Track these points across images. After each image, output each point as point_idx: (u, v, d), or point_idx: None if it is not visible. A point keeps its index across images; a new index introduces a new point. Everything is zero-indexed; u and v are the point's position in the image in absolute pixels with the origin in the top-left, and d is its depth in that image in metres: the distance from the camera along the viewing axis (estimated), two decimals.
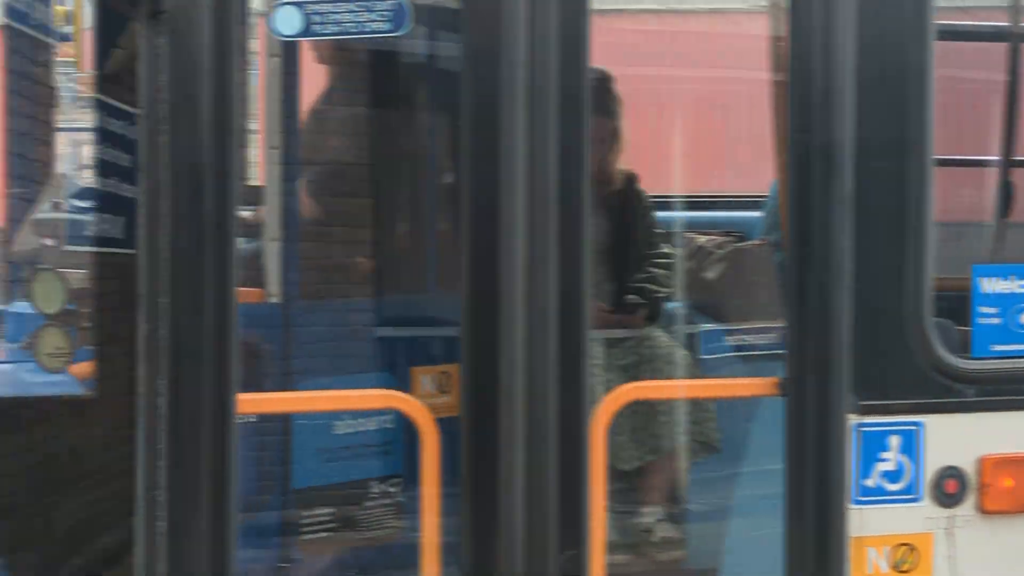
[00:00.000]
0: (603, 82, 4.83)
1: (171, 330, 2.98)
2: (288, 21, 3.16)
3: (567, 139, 3.19)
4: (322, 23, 3.17)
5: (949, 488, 3.52)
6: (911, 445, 3.50)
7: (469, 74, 3.15)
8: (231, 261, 3.02)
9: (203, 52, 2.97)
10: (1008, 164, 4.92)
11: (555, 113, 3.19)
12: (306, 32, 3.15)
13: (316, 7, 3.16)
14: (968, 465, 3.53)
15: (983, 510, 3.54)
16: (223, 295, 3.03)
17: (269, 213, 4.51)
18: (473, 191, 3.20)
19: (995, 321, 3.56)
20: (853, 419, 3.44)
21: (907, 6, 3.45)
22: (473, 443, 3.24)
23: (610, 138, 4.96)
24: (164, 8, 2.94)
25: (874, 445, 3.47)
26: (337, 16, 3.20)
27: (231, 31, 2.97)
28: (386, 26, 3.21)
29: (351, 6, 3.18)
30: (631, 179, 5.03)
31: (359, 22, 3.21)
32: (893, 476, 3.49)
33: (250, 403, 3.21)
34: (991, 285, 3.56)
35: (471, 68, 3.16)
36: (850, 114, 3.37)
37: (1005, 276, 3.57)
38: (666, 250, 5.02)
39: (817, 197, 3.37)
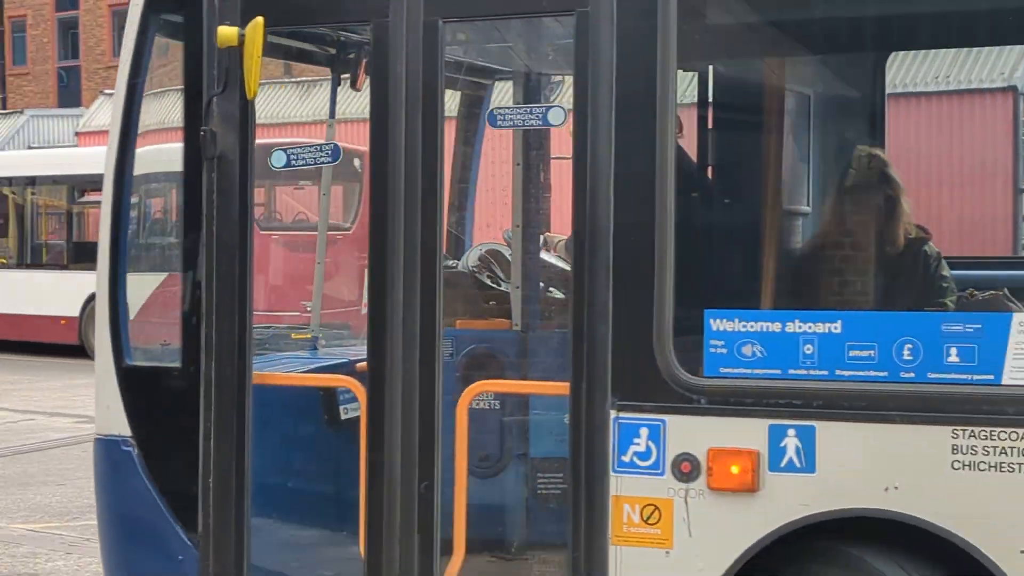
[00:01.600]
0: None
1: None
2: (278, 158, 5.47)
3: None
4: (297, 159, 5.45)
5: (684, 468, 4.91)
6: (657, 435, 4.95)
7: None
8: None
9: None
10: None
11: None
12: (288, 164, 5.44)
13: (295, 151, 5.46)
14: (699, 453, 4.89)
15: (710, 487, 4.88)
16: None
17: (514, 267, 6.59)
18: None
19: (722, 351, 4.89)
20: (614, 414, 4.98)
21: (644, 141, 4.90)
22: (372, 411, 5.30)
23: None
24: None
25: (629, 433, 4.97)
26: (305, 156, 5.47)
27: None
28: (329, 159, 5.43)
29: (311, 149, 5.44)
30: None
31: (316, 157, 5.46)
32: (643, 455, 4.96)
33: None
34: (719, 324, 4.90)
35: None
36: (609, 205, 4.96)
37: (731, 318, 4.89)
38: None
39: (589, 260, 5.00)
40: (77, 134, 30.11)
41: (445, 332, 5.81)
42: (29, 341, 21.98)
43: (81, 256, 20.76)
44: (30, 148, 31.86)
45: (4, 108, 39.83)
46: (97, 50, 41.25)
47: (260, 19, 5.30)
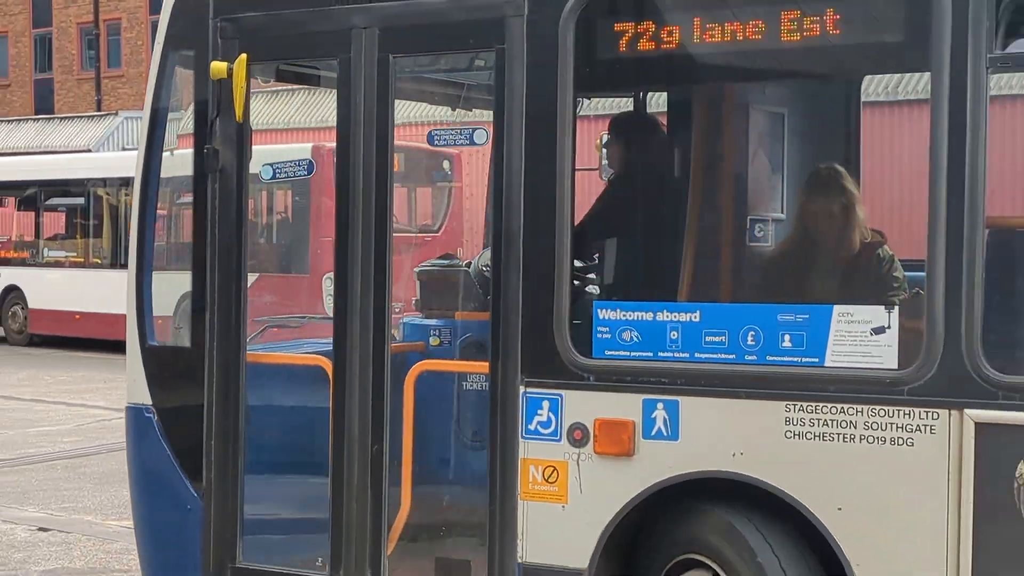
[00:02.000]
0: None
1: None
2: (266, 172, 6.49)
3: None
4: (280, 172, 6.46)
5: (576, 435, 5.79)
6: (555, 407, 5.83)
7: None
8: None
9: None
10: None
11: None
12: (273, 177, 6.46)
13: (279, 165, 6.47)
14: (588, 422, 5.76)
15: (596, 451, 5.75)
16: None
17: None
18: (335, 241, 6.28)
19: (607, 336, 5.75)
20: (522, 389, 5.89)
21: (548, 158, 5.77)
22: (336, 386, 6.29)
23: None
24: None
25: (534, 405, 5.87)
26: (287, 169, 6.47)
27: None
28: (304, 172, 6.43)
29: (292, 164, 6.45)
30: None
31: (295, 171, 6.46)
32: (545, 424, 5.86)
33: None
34: (605, 313, 5.76)
35: None
36: (520, 213, 5.87)
37: (614, 307, 5.76)
38: None
39: (505, 260, 5.91)
40: (179, 136, 31.57)
41: (446, 323, 6.77)
42: (124, 340, 23.18)
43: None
44: (124, 150, 32.89)
45: (99, 110, 41.38)
46: None
47: (244, 56, 6.33)
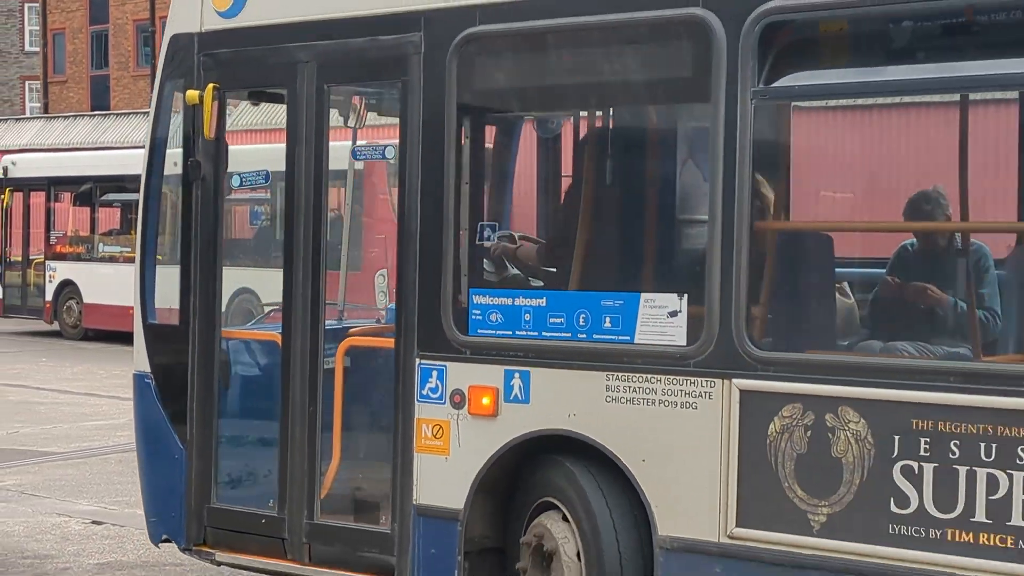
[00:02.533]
0: None
1: None
2: (235, 180, 7.86)
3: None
4: (245, 181, 7.83)
5: (456, 399, 7.04)
6: (441, 376, 7.10)
7: None
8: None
9: None
10: None
11: None
12: (241, 185, 7.83)
13: (246, 175, 7.85)
14: (464, 389, 7.01)
15: (470, 412, 7.00)
16: None
17: None
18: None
19: (479, 317, 7.00)
20: (418, 361, 7.17)
21: (438, 169, 7.04)
22: (284, 358, 7.65)
23: None
24: None
25: (426, 374, 7.14)
26: (251, 178, 7.85)
27: None
28: (263, 181, 7.79)
29: (254, 174, 7.82)
30: None
31: (256, 180, 7.84)
32: (434, 390, 7.12)
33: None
34: (478, 299, 7.01)
35: None
36: (417, 215, 7.15)
37: (485, 294, 7.00)
38: None
39: (406, 254, 7.20)
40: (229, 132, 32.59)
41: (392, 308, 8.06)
42: None
43: (229, 253, 22.00)
44: (179, 147, 34.33)
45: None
46: None
47: (211, 86, 7.72)
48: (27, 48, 55.29)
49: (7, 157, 29.84)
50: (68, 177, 27.42)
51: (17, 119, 44.67)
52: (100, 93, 46.87)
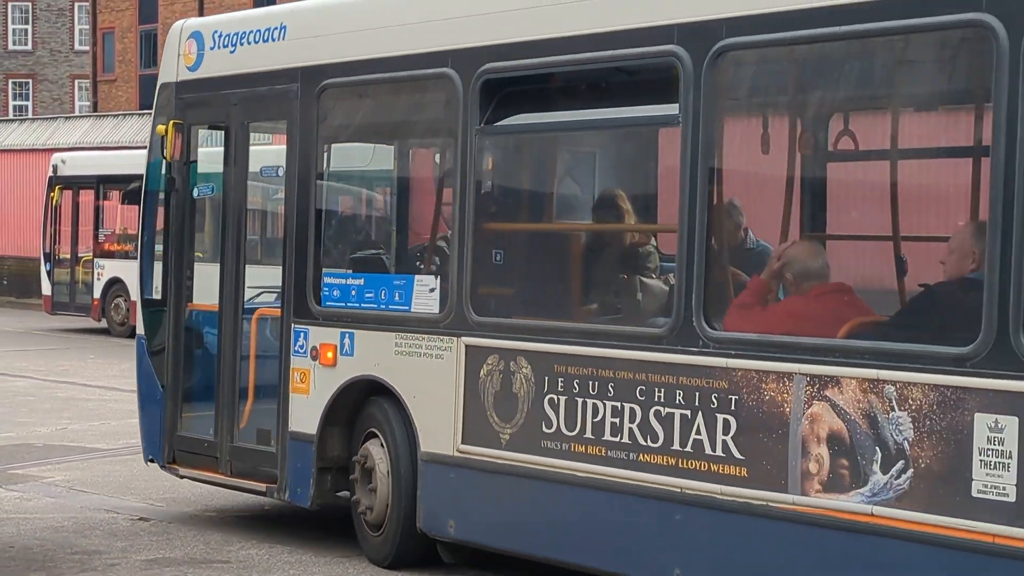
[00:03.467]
0: None
1: None
2: (196, 192, 10.57)
3: None
4: (202, 191, 10.53)
5: (313, 354, 9.57)
6: (305, 336, 9.64)
7: None
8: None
9: None
10: None
11: None
12: (200, 195, 10.54)
13: (201, 187, 10.56)
14: (318, 346, 9.54)
15: (320, 363, 9.52)
16: None
17: None
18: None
19: (327, 293, 9.53)
20: (293, 325, 9.75)
21: (307, 186, 9.62)
22: (220, 326, 10.34)
23: None
24: None
25: (297, 335, 9.71)
26: (205, 190, 10.55)
27: None
28: (211, 192, 10.49)
29: (207, 187, 10.53)
30: None
31: (209, 191, 10.53)
32: (301, 347, 9.67)
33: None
34: (327, 279, 9.54)
35: None
36: (293, 216, 9.74)
37: (331, 276, 9.53)
38: None
39: (285, 246, 9.80)
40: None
41: None
42: None
43: (267, 252, 22.43)
44: None
45: None
46: None
47: (172, 121, 10.46)
48: (77, 47, 56.06)
49: (57, 155, 30.26)
50: (117, 175, 27.35)
51: (67, 118, 44.56)
52: (149, 92, 45.58)
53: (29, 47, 60.52)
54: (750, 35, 7.29)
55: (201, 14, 44.43)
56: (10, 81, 60.78)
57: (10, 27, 60.54)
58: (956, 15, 6.55)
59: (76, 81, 57.47)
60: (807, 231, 8.24)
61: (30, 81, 60.74)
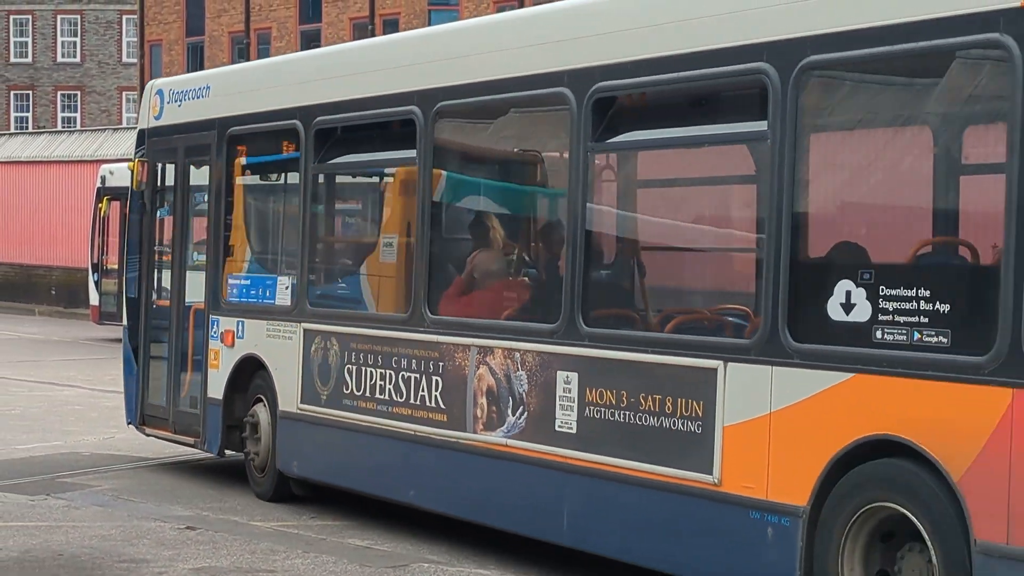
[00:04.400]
0: None
1: None
2: (160, 213, 13.61)
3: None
4: (163, 212, 13.56)
5: (221, 337, 12.51)
6: (217, 324, 12.59)
7: None
8: None
9: None
10: None
11: None
12: (166, 214, 13.56)
13: (162, 210, 13.58)
14: (224, 331, 12.48)
15: (224, 344, 12.44)
16: None
17: None
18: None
19: (230, 291, 12.46)
20: (212, 316, 12.70)
21: (229, 206, 12.57)
22: (170, 318, 13.37)
23: None
24: None
25: (213, 323, 12.65)
26: (164, 212, 13.58)
27: None
28: (168, 214, 13.53)
29: (166, 210, 13.58)
30: None
31: (166, 213, 13.56)
32: (215, 333, 12.62)
33: None
34: (230, 280, 12.49)
35: None
36: (215, 234, 12.72)
37: (232, 277, 12.46)
38: None
39: (211, 253, 12.78)
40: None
41: None
42: None
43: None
44: None
45: None
46: None
47: (138, 159, 13.52)
48: (124, 59, 55.33)
49: (104, 167, 30.54)
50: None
51: (115, 129, 44.90)
52: None
53: (78, 59, 60.10)
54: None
55: (247, 27, 44.71)
56: (59, 93, 60.59)
57: (59, 40, 60.06)
58: None
59: (124, 93, 57.40)
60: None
61: (78, 93, 60.47)
